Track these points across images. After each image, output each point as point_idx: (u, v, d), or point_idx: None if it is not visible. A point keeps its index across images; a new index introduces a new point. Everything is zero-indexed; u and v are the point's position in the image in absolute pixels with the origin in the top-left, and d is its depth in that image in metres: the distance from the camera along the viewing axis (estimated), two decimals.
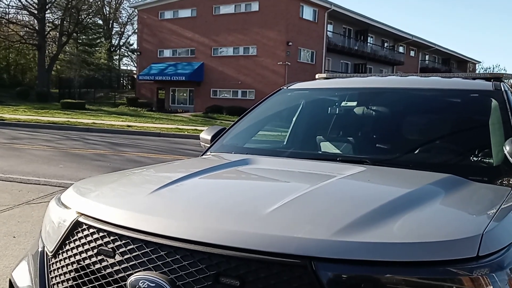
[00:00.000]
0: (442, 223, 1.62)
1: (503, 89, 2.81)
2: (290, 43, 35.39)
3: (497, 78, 3.22)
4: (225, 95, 38.61)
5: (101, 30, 58.51)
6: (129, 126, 21.54)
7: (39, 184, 7.31)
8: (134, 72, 53.25)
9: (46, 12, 43.85)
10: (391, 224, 1.52)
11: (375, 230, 1.46)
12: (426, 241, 1.41)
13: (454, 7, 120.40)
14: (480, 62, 72.99)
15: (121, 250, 1.59)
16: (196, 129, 20.74)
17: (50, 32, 46.62)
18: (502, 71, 69.96)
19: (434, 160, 2.56)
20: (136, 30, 49.27)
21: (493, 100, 2.73)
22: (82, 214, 1.78)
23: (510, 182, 2.21)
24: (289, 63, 35.11)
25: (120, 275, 1.57)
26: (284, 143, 3.48)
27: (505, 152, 2.15)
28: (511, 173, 2.22)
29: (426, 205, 1.72)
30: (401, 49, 51.56)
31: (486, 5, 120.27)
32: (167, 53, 41.90)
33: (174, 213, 1.68)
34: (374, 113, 3.19)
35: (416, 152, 2.66)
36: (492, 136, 2.54)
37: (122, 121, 24.73)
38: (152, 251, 1.53)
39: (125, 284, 1.54)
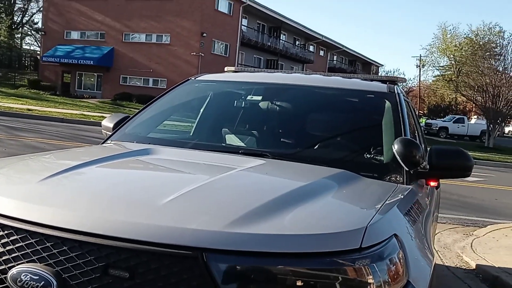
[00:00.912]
0: (330, 216, 1.71)
1: (396, 91, 2.99)
2: (204, 34, 35.19)
3: (392, 81, 3.44)
4: (136, 82, 37.57)
5: (1, 5, 54.27)
6: (29, 109, 20.26)
7: None
8: (38, 52, 50.11)
9: None
10: (283, 216, 1.57)
11: (267, 222, 1.50)
12: (314, 233, 1.47)
13: (362, 11, 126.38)
14: (383, 65, 77.26)
15: (3, 241, 1.50)
16: (102, 116, 19.96)
17: None
18: (401, 75, 74.70)
19: (330, 155, 2.67)
20: (42, 8, 46.37)
21: (387, 101, 2.90)
22: None
23: (397, 178, 2.37)
24: (203, 54, 34.91)
25: (0, 267, 1.48)
26: (190, 134, 3.46)
27: (394, 150, 2.30)
28: (399, 171, 2.37)
29: (317, 199, 1.80)
30: (311, 48, 53.22)
31: (395, 11, 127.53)
32: (75, 35, 39.88)
33: (62, 202, 1.61)
34: (278, 108, 3.27)
35: (314, 147, 2.76)
36: (384, 135, 2.69)
37: (22, 104, 23.20)
38: (37, 242, 1.46)
39: (5, 278, 1.45)
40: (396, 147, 2.28)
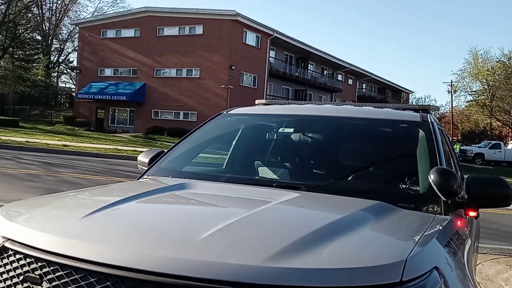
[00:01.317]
0: (369, 249, 1.69)
1: (429, 120, 2.97)
2: (233, 67, 35.75)
3: (425, 109, 3.42)
4: (167, 116, 38.25)
5: (40, 46, 56.60)
6: (65, 145, 20.82)
7: None
8: (73, 90, 51.74)
9: None
10: (321, 250, 1.57)
11: (306, 256, 1.50)
12: (354, 267, 1.46)
13: (391, 38, 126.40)
14: (413, 92, 76.66)
15: (49, 277, 1.54)
16: (135, 150, 20.36)
17: None
18: (433, 102, 73.79)
19: (365, 187, 2.66)
20: (77, 48, 48.13)
21: (420, 130, 2.89)
22: (9, 239, 1.71)
23: (435, 209, 2.33)
24: (232, 87, 35.38)
25: None
26: (223, 168, 3.50)
27: (430, 180, 2.27)
28: (436, 201, 2.34)
29: (355, 231, 1.79)
30: (339, 77, 53.32)
31: (421, 38, 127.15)
32: (108, 72, 41.11)
33: (106, 239, 1.65)
34: (310, 140, 3.29)
35: (348, 179, 2.75)
36: (419, 165, 2.67)
37: (58, 140, 23.87)
38: (81, 278, 1.49)
39: None
40: (432, 177, 2.26)
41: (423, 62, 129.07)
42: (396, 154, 2.99)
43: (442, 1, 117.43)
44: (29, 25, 49.16)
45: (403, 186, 2.63)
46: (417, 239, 1.74)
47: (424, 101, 76.86)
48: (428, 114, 3.15)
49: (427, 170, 2.43)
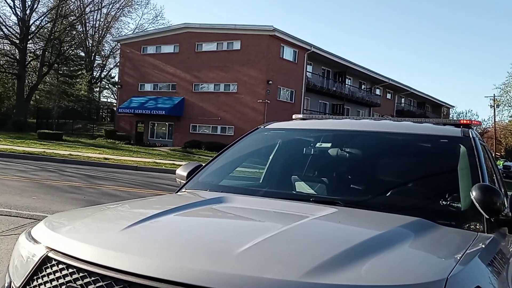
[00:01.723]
0: (409, 266, 1.66)
1: (471, 135, 2.91)
2: (270, 82, 35.90)
3: (466, 125, 3.34)
4: (205, 130, 38.68)
5: (83, 62, 58.56)
6: (106, 158, 21.32)
7: (10, 216, 7.14)
8: (114, 104, 53.13)
9: (28, 42, 43.84)
10: (359, 266, 1.55)
11: (344, 273, 1.49)
12: (392, 284, 1.44)
13: (431, 52, 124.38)
14: (454, 106, 74.98)
15: (90, 287, 1.58)
16: (173, 164, 20.65)
17: (31, 62, 46.50)
18: (475, 116, 71.90)
19: (404, 203, 2.61)
20: (118, 63, 49.47)
21: (461, 146, 2.83)
22: (52, 249, 1.77)
23: (477, 227, 2.27)
24: (269, 101, 35.51)
25: None
26: (260, 182, 3.51)
27: (472, 197, 2.21)
28: (478, 218, 2.28)
29: (394, 248, 1.76)
30: (378, 91, 52.72)
31: (461, 52, 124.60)
32: (148, 87, 42.01)
33: (146, 251, 1.68)
34: (347, 155, 3.26)
35: (387, 194, 2.71)
36: (460, 181, 2.61)
37: (99, 153, 24.48)
38: None
39: None
40: (474, 194, 2.20)
41: (464, 76, 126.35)
42: (437, 170, 2.92)
43: (483, 16, 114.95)
44: (73, 42, 50.92)
45: (443, 202, 2.57)
46: (458, 258, 1.70)
47: (466, 116, 75.02)
48: (470, 129, 3.08)
49: (469, 186, 2.38)
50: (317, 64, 42.83)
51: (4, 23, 42.56)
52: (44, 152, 21.49)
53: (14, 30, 43.75)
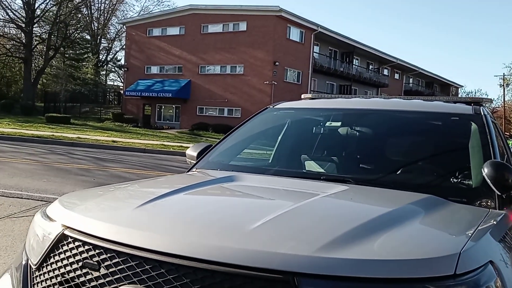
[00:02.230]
0: (421, 241, 1.67)
1: (482, 113, 2.89)
2: (277, 63, 35.72)
3: (477, 102, 3.32)
4: (212, 112, 38.68)
5: (89, 45, 58.48)
6: (114, 141, 21.42)
7: (21, 198, 7.23)
8: (121, 87, 53.16)
9: (34, 26, 43.79)
10: (372, 242, 1.56)
11: (357, 248, 1.50)
12: (405, 259, 1.45)
13: (438, 32, 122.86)
14: (462, 86, 74.33)
15: (106, 263, 1.60)
16: (181, 146, 20.71)
17: (37, 46, 46.49)
18: (484, 96, 71.40)
19: (415, 180, 2.61)
20: (124, 46, 49.36)
21: (473, 123, 2.81)
22: (68, 227, 1.79)
23: (489, 203, 2.27)
24: (276, 83, 35.38)
25: None
26: (269, 161, 3.51)
27: (484, 174, 2.21)
28: (490, 195, 2.28)
29: (406, 224, 1.77)
30: (385, 72, 52.32)
31: (470, 31, 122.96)
32: (155, 69, 41.96)
33: (159, 227, 1.70)
34: (357, 133, 3.25)
35: (398, 172, 2.71)
36: (471, 158, 2.60)
37: (107, 136, 24.59)
38: (137, 265, 1.55)
39: None
40: (486, 170, 2.20)
41: (473, 55, 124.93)
42: (448, 147, 2.92)
43: None
44: (79, 25, 50.79)
45: (455, 180, 2.57)
46: (470, 234, 1.70)
47: (475, 95, 74.43)
48: (481, 107, 3.06)
49: (480, 163, 2.37)
50: (324, 45, 42.49)
51: (9, 7, 42.54)
52: (53, 135, 21.61)
53: (20, 14, 43.70)
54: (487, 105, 3.54)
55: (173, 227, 1.71)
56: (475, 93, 76.23)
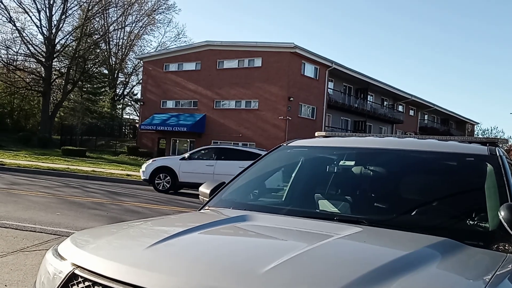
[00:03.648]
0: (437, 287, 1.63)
1: (498, 154, 2.86)
2: (291, 99, 35.95)
3: (493, 142, 3.29)
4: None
5: (106, 79, 59.61)
6: (128, 175, 21.53)
7: (34, 232, 7.24)
8: (137, 121, 53.77)
9: (54, 61, 44.88)
10: (386, 287, 1.53)
11: None
12: None
13: (453, 73, 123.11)
14: (478, 123, 73.81)
15: None
16: None
17: (56, 80, 47.53)
18: (500, 133, 70.68)
19: (430, 222, 2.57)
20: (141, 81, 50.20)
21: (488, 164, 2.78)
22: (78, 266, 1.79)
23: (506, 247, 2.22)
24: (290, 118, 35.53)
25: None
26: (283, 200, 3.49)
27: (500, 217, 2.17)
28: (507, 238, 2.23)
29: (421, 269, 1.73)
30: (400, 108, 52.32)
31: (483, 70, 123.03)
32: (170, 104, 42.47)
33: (172, 269, 1.69)
34: (371, 173, 3.23)
35: (412, 214, 2.67)
36: (487, 200, 2.56)
37: (122, 169, 24.74)
38: None
39: None
40: (502, 213, 2.16)
41: (488, 92, 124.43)
42: (463, 189, 2.88)
43: (505, 29, 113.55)
44: (97, 60, 51.95)
45: (471, 222, 2.52)
46: (488, 280, 1.66)
47: (491, 133, 73.80)
48: (496, 147, 3.03)
49: (497, 206, 2.33)
50: (339, 81, 42.77)
51: (31, 42, 43.77)
52: (68, 168, 21.82)
53: (40, 49, 44.89)
54: (503, 145, 3.50)
55: (185, 269, 1.70)
56: (491, 130, 75.54)
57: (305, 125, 36.15)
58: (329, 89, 40.93)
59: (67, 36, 46.38)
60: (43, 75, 45.07)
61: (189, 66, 41.36)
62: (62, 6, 44.41)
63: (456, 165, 3.02)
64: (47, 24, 44.11)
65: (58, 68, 47.66)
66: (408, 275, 1.65)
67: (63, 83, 47.28)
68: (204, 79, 39.74)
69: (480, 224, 2.48)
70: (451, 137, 3.66)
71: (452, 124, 64.67)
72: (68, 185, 15.54)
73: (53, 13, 44.35)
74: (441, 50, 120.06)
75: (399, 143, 3.41)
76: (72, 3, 45.03)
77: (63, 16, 44.64)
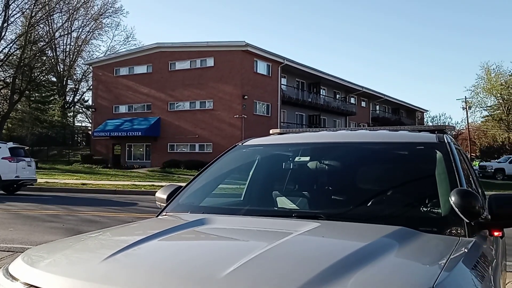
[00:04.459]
0: (394, 277, 1.66)
1: (446, 140, 2.95)
2: (245, 97, 36.03)
3: (441, 130, 3.40)
4: (183, 149, 38.49)
5: (55, 87, 57.88)
6: (83, 184, 21.01)
7: None
8: (89, 128, 52.55)
9: None
10: (345, 280, 1.55)
11: None
12: None
13: (401, 59, 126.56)
14: (427, 111, 76.28)
15: None
16: (153, 185, 20.44)
17: (1, 90, 45.75)
18: (448, 119, 73.28)
19: (385, 212, 2.62)
20: (91, 87, 49.06)
21: (437, 151, 2.86)
22: (31, 286, 1.72)
23: (458, 231, 2.29)
24: (246, 116, 35.60)
25: None
26: (241, 199, 3.48)
27: (451, 202, 2.24)
28: (459, 223, 2.30)
29: (379, 260, 1.76)
30: (352, 100, 53.37)
31: (430, 57, 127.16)
32: (123, 108, 41.72)
33: (130, 281, 1.65)
34: (326, 167, 3.27)
35: (368, 205, 2.72)
36: (439, 187, 2.63)
37: (77, 179, 24.12)
38: None
39: None
40: (453, 199, 2.22)
41: (435, 80, 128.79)
42: (415, 177, 2.95)
43: (450, 15, 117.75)
44: (44, 68, 50.30)
45: (424, 209, 2.59)
46: (442, 264, 1.71)
47: (440, 119, 76.50)
48: (444, 135, 3.12)
49: (448, 191, 2.40)
50: (291, 77, 43.20)
51: None
52: None
53: None
54: (450, 132, 3.62)
55: (143, 280, 1.66)
56: (440, 117, 78.31)
57: (261, 122, 36.32)
58: (282, 85, 41.28)
59: (11, 45, 44.70)
60: None
61: (140, 69, 40.74)
62: (3, 13, 42.79)
63: (407, 154, 3.10)
64: None
65: (2, 78, 45.89)
66: (366, 267, 1.67)
67: (9, 94, 45.53)
68: (156, 82, 39.25)
69: (433, 210, 2.54)
70: (401, 127, 3.75)
71: (402, 113, 66.51)
72: (20, 199, 15.00)
73: None
74: (391, 38, 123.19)
75: (351, 136, 3.46)
76: (14, 10, 43.48)
77: (5, 24, 43.00)
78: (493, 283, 2.08)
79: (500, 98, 52.20)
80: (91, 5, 56.52)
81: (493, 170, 37.24)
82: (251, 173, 3.56)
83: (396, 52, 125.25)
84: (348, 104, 51.94)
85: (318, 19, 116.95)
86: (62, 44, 58.09)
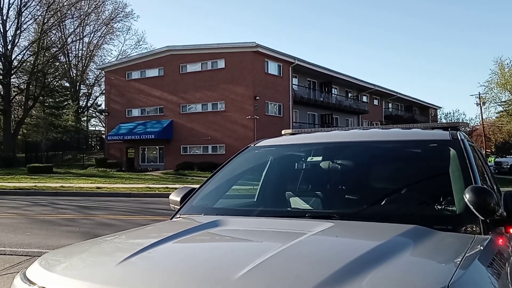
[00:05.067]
0: (409, 276, 1.65)
1: (459, 137, 2.92)
2: (257, 97, 36.01)
3: (454, 127, 3.37)
4: (196, 151, 38.59)
5: (68, 92, 58.44)
6: (98, 188, 21.18)
7: (4, 254, 7.04)
8: (103, 132, 52.94)
9: (12, 77, 43.72)
10: (359, 281, 1.54)
11: None
12: None
13: (413, 57, 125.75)
14: (441, 107, 75.69)
15: None
16: (167, 188, 20.53)
17: (16, 97, 46.32)
18: (462, 116, 72.53)
19: (399, 211, 2.61)
20: (104, 91, 49.43)
21: (451, 149, 2.84)
22: None
23: (474, 229, 2.27)
24: (258, 117, 35.60)
25: None
26: (254, 200, 3.49)
27: (466, 200, 2.22)
28: (474, 220, 2.28)
29: (393, 259, 1.75)
30: (364, 99, 53.07)
31: (443, 54, 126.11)
32: (136, 112, 41.96)
33: (145, 284, 1.66)
34: (339, 167, 3.26)
35: (381, 204, 2.71)
36: (453, 184, 2.61)
37: (91, 183, 24.31)
38: None
39: None
40: (468, 196, 2.21)
41: (448, 76, 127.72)
42: (429, 175, 2.93)
43: (462, 11, 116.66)
44: (57, 73, 50.86)
45: (438, 207, 2.58)
46: (458, 262, 1.70)
47: (453, 116, 75.74)
48: (458, 132, 3.09)
49: (462, 189, 2.38)
50: (303, 76, 43.10)
51: None
52: (35, 186, 21.30)
53: None
54: (464, 128, 3.59)
55: (156, 282, 1.67)
56: (453, 113, 77.56)
57: (273, 123, 36.28)
58: (293, 85, 41.20)
59: (24, 51, 45.32)
60: (2, 93, 43.87)
61: (152, 72, 40.95)
62: (16, 21, 43.36)
63: (421, 152, 3.08)
64: (2, 41, 42.97)
65: (17, 85, 46.46)
66: (381, 266, 1.67)
67: (23, 100, 46.09)
68: (168, 85, 39.42)
69: (448, 208, 2.53)
70: (414, 124, 3.73)
71: (415, 111, 65.99)
72: (37, 204, 15.17)
73: (7, 29, 43.32)
74: (403, 36, 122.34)
75: (363, 135, 3.45)
76: (27, 17, 44.04)
77: (18, 31, 43.60)
78: (510, 281, 2.06)
79: None
80: (102, 10, 57.15)
81: (509, 166, 36.78)
82: (264, 174, 3.56)
83: (408, 50, 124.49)
84: (360, 103, 51.66)
85: (327, 19, 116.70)
86: (74, 49, 58.76)
